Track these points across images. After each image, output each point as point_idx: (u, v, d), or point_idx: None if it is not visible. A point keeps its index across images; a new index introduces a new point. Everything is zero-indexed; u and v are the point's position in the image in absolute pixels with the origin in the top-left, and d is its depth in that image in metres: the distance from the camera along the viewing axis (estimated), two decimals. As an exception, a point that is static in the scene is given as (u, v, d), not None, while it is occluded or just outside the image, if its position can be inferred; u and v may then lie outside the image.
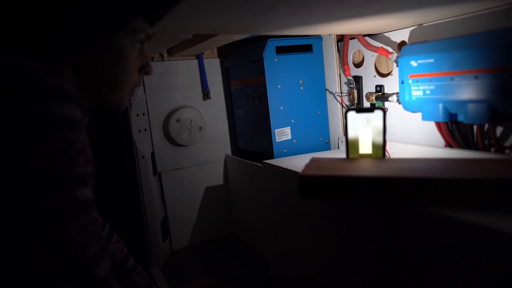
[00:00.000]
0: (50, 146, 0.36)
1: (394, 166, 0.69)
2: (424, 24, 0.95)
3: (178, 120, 1.47)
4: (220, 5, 0.58)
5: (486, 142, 0.84)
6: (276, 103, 1.25)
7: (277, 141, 1.27)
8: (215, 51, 1.57)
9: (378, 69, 1.13)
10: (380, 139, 0.76)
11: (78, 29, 0.44)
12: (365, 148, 0.78)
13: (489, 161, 0.66)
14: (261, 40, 1.26)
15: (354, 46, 1.18)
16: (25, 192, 0.34)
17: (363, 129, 0.77)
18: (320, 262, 0.89)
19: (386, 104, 1.07)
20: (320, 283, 0.91)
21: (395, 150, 1.01)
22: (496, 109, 0.75)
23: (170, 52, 1.45)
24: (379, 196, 0.62)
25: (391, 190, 0.61)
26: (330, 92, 1.29)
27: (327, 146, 1.33)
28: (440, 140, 0.94)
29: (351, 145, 0.79)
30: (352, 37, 1.16)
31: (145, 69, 0.56)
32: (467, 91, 0.79)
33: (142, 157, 1.42)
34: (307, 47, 1.27)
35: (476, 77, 0.76)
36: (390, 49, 1.04)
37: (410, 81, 0.91)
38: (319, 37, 1.28)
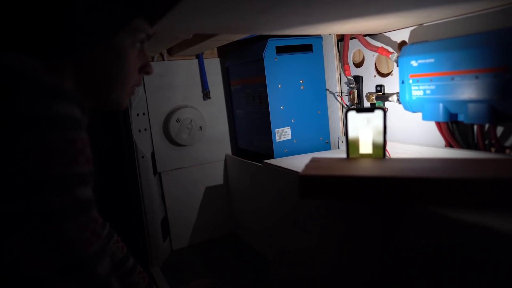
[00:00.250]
0: (50, 145, 0.36)
1: (395, 166, 0.69)
2: (425, 24, 0.95)
3: (178, 120, 1.47)
4: (220, 4, 0.58)
5: (486, 142, 0.84)
6: (276, 103, 1.25)
7: (277, 141, 1.27)
8: (215, 51, 1.57)
9: (379, 69, 1.13)
10: (380, 139, 0.76)
11: (78, 29, 0.44)
12: (365, 148, 0.78)
13: (489, 161, 0.66)
14: (261, 40, 1.26)
15: (354, 46, 1.18)
16: (25, 191, 0.34)
17: (364, 129, 0.77)
18: (320, 262, 0.89)
19: (387, 104, 1.07)
20: (320, 283, 0.91)
21: (395, 150, 1.01)
22: (496, 109, 0.74)
23: (170, 52, 1.45)
24: (379, 196, 0.62)
25: (391, 190, 0.61)
26: (330, 92, 1.29)
27: (327, 146, 1.33)
28: (441, 140, 0.94)
29: (352, 145, 0.79)
30: (353, 37, 1.16)
31: (145, 69, 0.56)
32: (468, 91, 0.79)
33: (142, 157, 1.42)
34: (307, 47, 1.27)
35: (477, 77, 0.76)
36: (390, 49, 1.04)
37: (411, 81, 0.91)
38: (319, 37, 1.28)
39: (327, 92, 1.30)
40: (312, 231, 0.90)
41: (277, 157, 1.25)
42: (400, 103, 0.98)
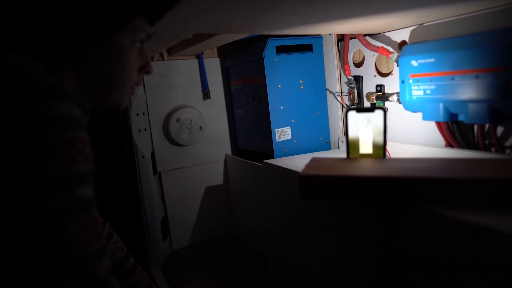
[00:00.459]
0: (50, 145, 0.36)
1: (395, 166, 0.69)
2: (425, 24, 0.95)
3: (178, 120, 1.47)
4: (220, 4, 0.58)
5: (486, 142, 0.84)
6: (276, 103, 1.25)
7: (277, 141, 1.27)
8: (215, 50, 1.57)
9: (379, 68, 1.13)
10: (380, 139, 0.76)
11: (77, 28, 0.44)
12: (365, 148, 0.78)
13: (489, 161, 0.66)
14: (261, 40, 1.26)
15: (354, 46, 1.18)
16: (25, 190, 0.34)
17: (364, 129, 0.77)
18: (320, 262, 0.89)
19: (387, 104, 1.07)
20: (320, 283, 0.91)
21: (395, 150, 1.01)
22: (496, 109, 0.74)
23: (170, 51, 1.45)
24: (379, 196, 0.62)
25: (391, 190, 0.61)
26: (331, 92, 1.29)
27: (327, 146, 1.33)
28: (441, 140, 0.94)
29: (352, 145, 0.79)
30: (353, 36, 1.16)
31: (145, 69, 0.56)
32: (468, 91, 0.79)
33: (142, 156, 1.42)
34: (307, 46, 1.27)
35: (477, 77, 0.76)
36: (390, 49, 1.04)
37: (411, 81, 0.91)
38: (319, 37, 1.28)
39: (327, 92, 1.30)
40: (312, 231, 0.90)
41: (277, 157, 1.25)
42: (400, 103, 0.98)
